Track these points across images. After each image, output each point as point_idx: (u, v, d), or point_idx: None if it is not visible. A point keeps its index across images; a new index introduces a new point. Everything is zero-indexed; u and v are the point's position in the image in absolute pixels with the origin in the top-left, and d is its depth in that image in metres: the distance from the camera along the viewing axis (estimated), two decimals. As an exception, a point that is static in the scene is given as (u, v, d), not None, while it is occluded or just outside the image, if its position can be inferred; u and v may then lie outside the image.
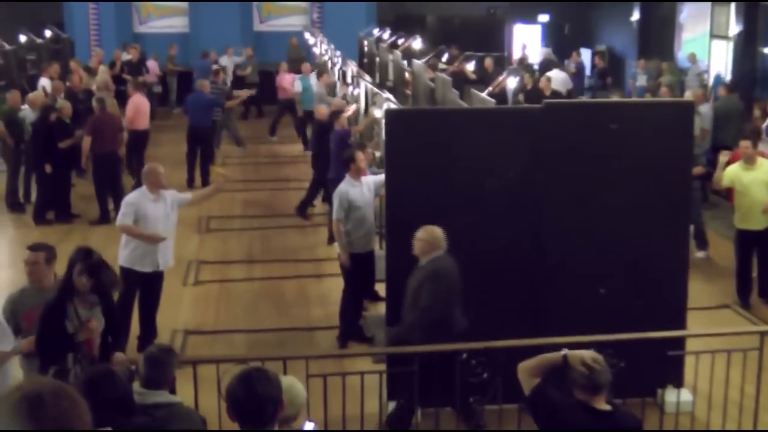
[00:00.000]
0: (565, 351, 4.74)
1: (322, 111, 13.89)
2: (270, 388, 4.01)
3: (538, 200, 7.62)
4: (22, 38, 22.73)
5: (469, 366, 6.73)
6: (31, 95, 15.40)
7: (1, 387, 6.03)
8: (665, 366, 7.25)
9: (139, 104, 15.91)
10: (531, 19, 28.53)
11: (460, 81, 18.69)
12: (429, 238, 7.23)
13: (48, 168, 13.62)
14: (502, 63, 24.93)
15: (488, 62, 21.87)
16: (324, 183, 13.10)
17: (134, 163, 15.59)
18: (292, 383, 4.89)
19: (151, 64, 23.02)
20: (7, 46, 20.93)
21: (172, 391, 5.18)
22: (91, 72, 19.28)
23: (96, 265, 6.37)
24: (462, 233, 7.47)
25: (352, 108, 14.05)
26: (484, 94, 12.77)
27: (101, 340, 6.45)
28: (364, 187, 9.42)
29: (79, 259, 6.32)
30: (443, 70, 18.14)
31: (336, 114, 12.76)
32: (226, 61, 23.14)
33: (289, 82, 19.77)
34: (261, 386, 3.97)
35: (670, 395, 7.55)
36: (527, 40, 27.17)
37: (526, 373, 4.86)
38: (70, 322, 6.28)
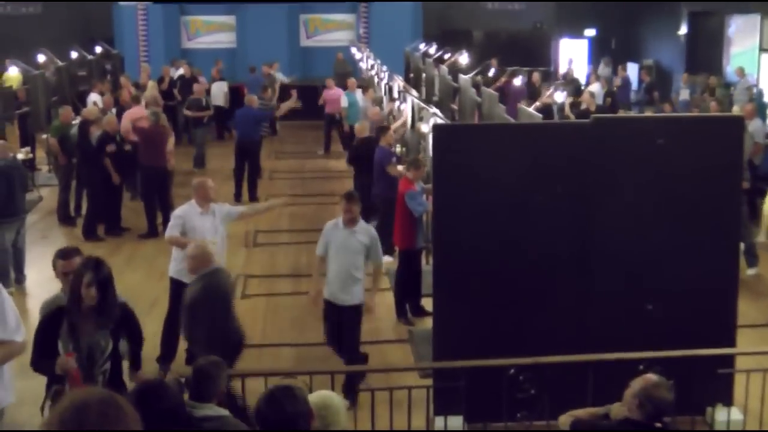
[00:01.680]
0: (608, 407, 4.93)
1: (363, 127, 14.02)
2: (298, 405, 4.06)
3: (585, 216, 7.59)
4: (74, 54, 23.09)
5: (517, 382, 6.71)
6: (84, 110, 15.64)
7: None
8: (715, 384, 7.18)
9: (134, 116, 15.44)
10: (577, 34, 28.46)
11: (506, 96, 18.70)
12: (199, 255, 7.32)
13: (116, 177, 13.85)
14: (549, 78, 24.89)
15: (535, 77, 21.86)
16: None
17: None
18: (328, 397, 4.87)
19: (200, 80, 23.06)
20: (59, 63, 21.28)
21: (221, 404, 5.24)
22: (140, 88, 19.53)
23: (105, 279, 5.83)
24: (509, 248, 7.48)
25: (401, 121, 14.15)
26: (531, 109, 12.74)
27: (110, 365, 5.94)
28: (359, 235, 8.55)
29: (88, 270, 5.82)
30: (487, 85, 18.15)
31: (382, 130, 12.81)
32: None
33: (337, 97, 20.10)
34: (289, 404, 4.02)
35: (720, 414, 7.47)
36: (574, 54, 27.11)
37: (568, 417, 5.04)
38: (62, 342, 5.79)
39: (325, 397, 4.65)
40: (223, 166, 17.70)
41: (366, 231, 8.62)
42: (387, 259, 12.47)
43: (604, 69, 24.55)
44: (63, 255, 6.49)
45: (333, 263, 8.59)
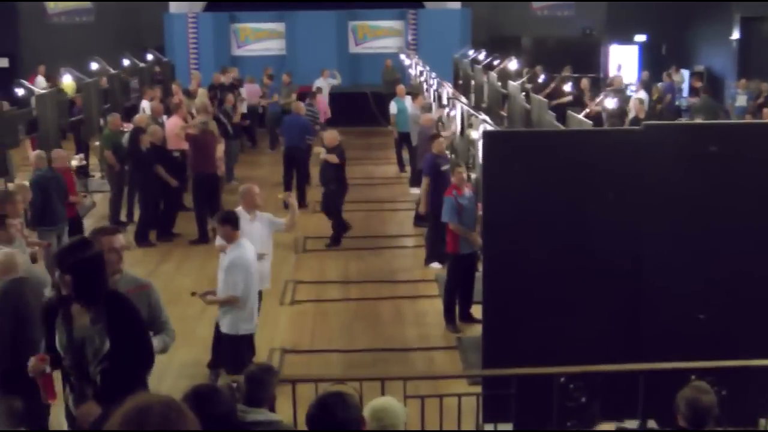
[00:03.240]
0: None
1: (333, 137, 14.04)
2: (349, 411, 4.09)
3: (636, 223, 7.53)
4: (125, 62, 23.41)
5: (568, 390, 6.68)
6: (136, 117, 15.86)
7: None
8: (768, 395, 7.08)
9: (172, 125, 15.62)
10: (627, 40, 28.23)
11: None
12: (4, 261, 7.25)
13: (173, 182, 14.09)
14: (598, 84, 24.73)
15: (584, 83, 21.71)
16: None
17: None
18: (387, 402, 4.90)
19: (249, 87, 23.06)
20: (112, 70, 21.58)
21: (272, 409, 5.28)
22: (191, 95, 19.72)
23: (78, 262, 5.05)
24: (560, 256, 7.44)
25: (449, 131, 14.16)
26: (581, 116, 12.68)
27: (106, 368, 5.18)
28: (226, 257, 8.47)
29: (62, 253, 5.22)
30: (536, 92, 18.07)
31: (432, 138, 12.84)
32: (322, 82, 23.36)
33: (325, 106, 20.42)
34: (340, 410, 4.06)
35: (774, 425, 7.36)
36: (623, 60, 26.90)
37: None
38: (58, 333, 5.26)
39: (384, 402, 4.68)
40: (272, 174, 17.79)
41: (230, 252, 8.40)
42: (436, 266, 12.54)
43: (676, 76, 24.24)
44: (105, 231, 6.08)
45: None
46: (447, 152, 13.17)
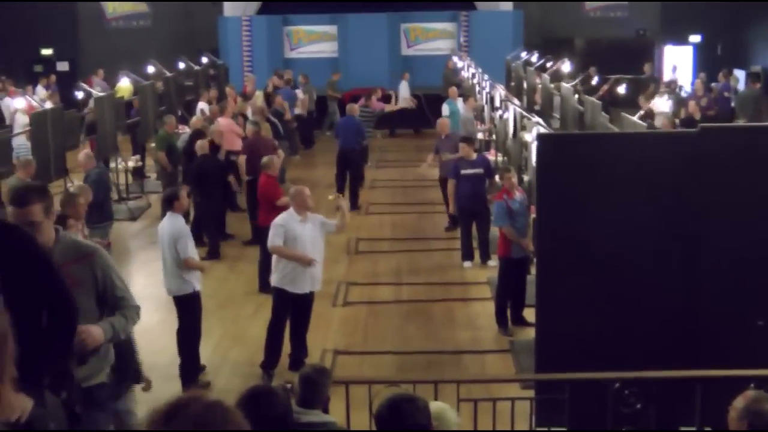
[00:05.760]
0: None
1: (204, 146, 13.78)
2: (422, 418, 4.06)
3: (692, 227, 7.45)
4: (181, 65, 23.69)
5: (622, 396, 6.63)
6: (193, 119, 16.03)
7: None
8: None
9: (224, 126, 15.67)
10: (682, 40, 27.91)
11: (609, 104, 18.49)
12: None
13: (235, 184, 14.34)
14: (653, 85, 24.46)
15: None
16: None
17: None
18: (444, 410, 4.91)
19: (290, 91, 23.08)
20: (167, 73, 21.84)
21: (326, 411, 5.31)
22: (246, 97, 19.88)
23: None
24: (614, 259, 7.39)
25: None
26: (635, 118, 12.58)
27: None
28: None
29: None
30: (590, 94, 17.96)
31: (464, 140, 13.09)
32: (404, 85, 23.62)
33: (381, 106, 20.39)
34: (413, 416, 4.02)
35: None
36: (678, 61, 26.61)
37: None
38: None
39: (441, 409, 4.68)
40: (326, 175, 17.87)
41: None
42: (467, 265, 12.62)
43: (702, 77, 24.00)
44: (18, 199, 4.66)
45: None
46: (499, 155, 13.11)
